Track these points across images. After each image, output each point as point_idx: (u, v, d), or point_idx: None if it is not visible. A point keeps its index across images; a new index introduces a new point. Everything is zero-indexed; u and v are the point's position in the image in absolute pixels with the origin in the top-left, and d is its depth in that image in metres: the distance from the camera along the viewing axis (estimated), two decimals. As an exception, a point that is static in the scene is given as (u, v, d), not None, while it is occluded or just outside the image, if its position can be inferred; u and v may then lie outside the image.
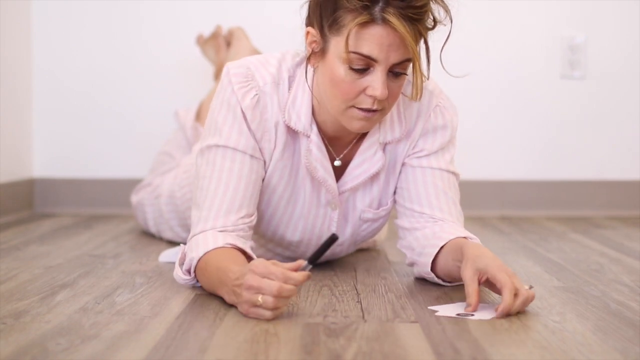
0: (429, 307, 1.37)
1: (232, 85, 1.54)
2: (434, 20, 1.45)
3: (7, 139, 2.64)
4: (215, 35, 2.63)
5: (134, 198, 2.32)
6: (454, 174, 1.64)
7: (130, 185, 2.59)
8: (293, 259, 1.75)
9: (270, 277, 1.27)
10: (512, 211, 2.88)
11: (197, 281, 1.51)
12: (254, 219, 1.56)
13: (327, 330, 1.23)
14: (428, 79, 1.53)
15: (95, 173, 2.85)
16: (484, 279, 1.38)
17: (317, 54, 1.49)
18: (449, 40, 1.46)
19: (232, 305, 1.38)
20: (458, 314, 1.33)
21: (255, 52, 2.53)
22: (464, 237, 1.54)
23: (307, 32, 1.49)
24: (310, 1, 1.49)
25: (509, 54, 2.87)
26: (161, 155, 2.34)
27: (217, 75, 2.59)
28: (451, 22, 1.45)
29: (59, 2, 2.83)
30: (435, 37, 1.47)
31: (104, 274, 1.69)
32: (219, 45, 2.60)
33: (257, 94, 1.55)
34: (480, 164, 2.84)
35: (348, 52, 1.41)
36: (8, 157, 2.65)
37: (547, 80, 2.89)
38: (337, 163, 1.62)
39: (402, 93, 1.55)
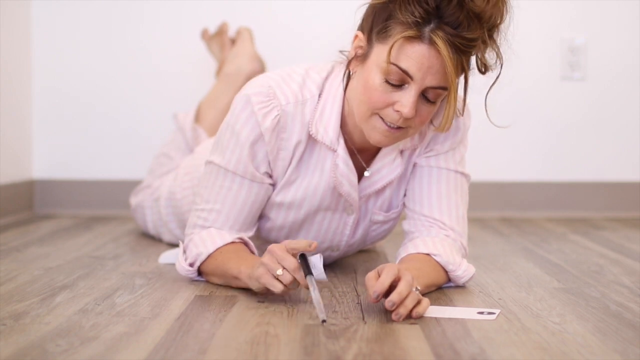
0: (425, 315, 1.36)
1: (248, 108, 1.53)
2: (485, 65, 1.45)
3: (7, 141, 2.64)
4: (220, 32, 2.63)
5: (133, 200, 2.31)
6: (463, 174, 1.63)
7: (130, 186, 2.59)
8: None
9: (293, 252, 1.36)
10: (512, 212, 2.88)
11: (199, 274, 1.57)
12: (249, 233, 1.62)
13: (327, 332, 1.23)
14: (462, 114, 1.53)
15: (95, 174, 2.85)
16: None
17: (358, 58, 1.48)
18: (495, 85, 1.47)
19: (232, 307, 1.38)
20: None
21: (256, 57, 2.54)
22: (426, 254, 1.54)
23: (356, 36, 1.49)
24: (368, 7, 1.48)
25: (509, 56, 2.86)
26: (160, 157, 2.34)
27: (219, 72, 2.59)
28: (501, 67, 1.45)
29: (59, 4, 2.83)
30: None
31: (104, 275, 1.69)
32: (224, 42, 2.61)
33: (278, 114, 1.54)
34: (481, 165, 2.84)
35: (389, 62, 1.40)
36: (8, 158, 2.65)
37: (547, 82, 2.89)
38: (366, 173, 1.62)
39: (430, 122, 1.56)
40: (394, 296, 1.28)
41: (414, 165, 1.64)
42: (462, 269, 1.55)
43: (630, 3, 2.88)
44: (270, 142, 1.55)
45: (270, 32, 2.77)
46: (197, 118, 2.40)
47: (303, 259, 1.37)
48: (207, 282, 1.58)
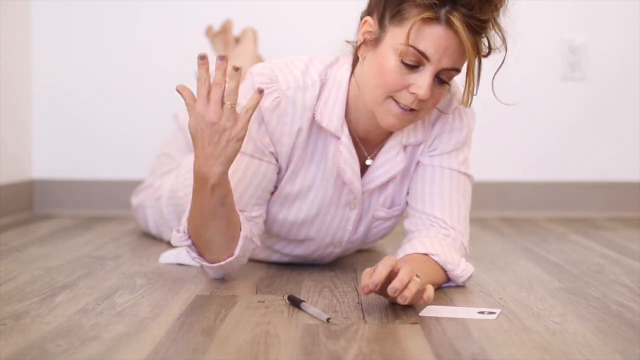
0: (420, 314, 1.35)
1: (254, 86, 1.55)
2: (489, 47, 1.46)
3: (7, 141, 2.64)
4: (224, 30, 2.63)
5: (134, 200, 2.32)
6: (466, 175, 1.64)
7: (130, 186, 2.59)
8: (303, 257, 1.76)
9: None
10: (513, 212, 2.88)
11: (192, 242, 1.53)
12: (255, 216, 1.59)
13: (328, 332, 1.23)
14: (476, 94, 1.54)
15: (95, 174, 2.85)
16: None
17: (369, 43, 1.49)
18: (501, 67, 1.47)
19: (232, 307, 1.38)
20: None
21: (258, 59, 2.54)
22: (425, 254, 1.53)
23: (365, 21, 1.50)
24: None
25: (509, 56, 2.86)
26: (161, 156, 2.34)
27: None
28: (506, 51, 1.47)
29: (59, 4, 2.83)
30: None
31: (104, 275, 1.68)
32: (228, 40, 2.61)
33: (278, 97, 1.55)
34: (481, 165, 2.83)
35: (407, 44, 1.41)
36: (8, 158, 2.65)
37: (547, 82, 2.89)
38: (368, 162, 1.63)
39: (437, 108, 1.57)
40: (395, 283, 1.28)
41: (417, 163, 1.64)
42: (460, 268, 1.54)
43: (630, 3, 2.88)
44: (271, 123, 1.56)
45: (271, 32, 2.77)
46: (198, 118, 2.40)
47: (292, 300, 1.39)
48: (201, 248, 1.55)
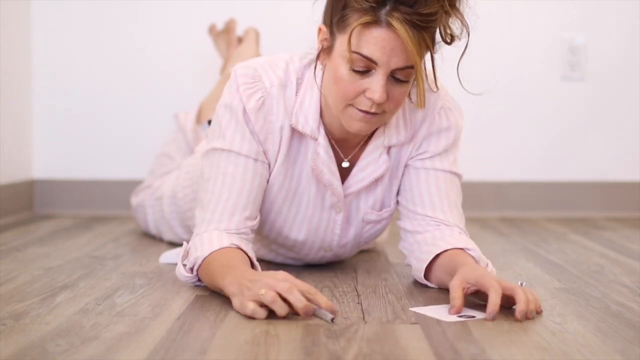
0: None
1: (238, 87, 1.54)
2: (451, 35, 1.43)
3: (8, 141, 2.64)
4: (227, 29, 2.63)
5: (134, 200, 2.32)
6: (457, 174, 1.64)
7: (130, 186, 2.59)
8: (296, 259, 1.76)
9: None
10: (512, 212, 2.88)
11: (199, 280, 1.51)
12: (256, 222, 1.58)
13: (328, 332, 1.23)
14: (438, 89, 1.53)
15: (95, 174, 2.85)
16: (471, 289, 1.37)
17: (325, 51, 1.49)
18: (464, 55, 1.44)
19: (232, 307, 1.38)
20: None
21: None
22: (461, 249, 1.53)
23: (320, 29, 1.49)
24: None
25: (509, 56, 2.87)
26: (161, 157, 2.34)
27: (224, 69, 2.59)
28: (468, 36, 1.43)
29: (59, 4, 2.83)
30: (451, 50, 1.45)
31: (104, 275, 1.68)
32: (231, 40, 2.61)
33: (262, 96, 1.55)
34: (480, 165, 2.84)
35: (350, 51, 1.40)
36: (8, 158, 2.65)
37: (547, 82, 2.89)
38: (345, 164, 1.62)
39: (408, 98, 1.55)
40: (521, 306, 1.29)
41: (406, 166, 1.64)
42: (490, 265, 1.54)
43: (630, 3, 2.88)
44: (258, 123, 1.55)
45: (272, 32, 2.76)
46: (199, 118, 2.40)
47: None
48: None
